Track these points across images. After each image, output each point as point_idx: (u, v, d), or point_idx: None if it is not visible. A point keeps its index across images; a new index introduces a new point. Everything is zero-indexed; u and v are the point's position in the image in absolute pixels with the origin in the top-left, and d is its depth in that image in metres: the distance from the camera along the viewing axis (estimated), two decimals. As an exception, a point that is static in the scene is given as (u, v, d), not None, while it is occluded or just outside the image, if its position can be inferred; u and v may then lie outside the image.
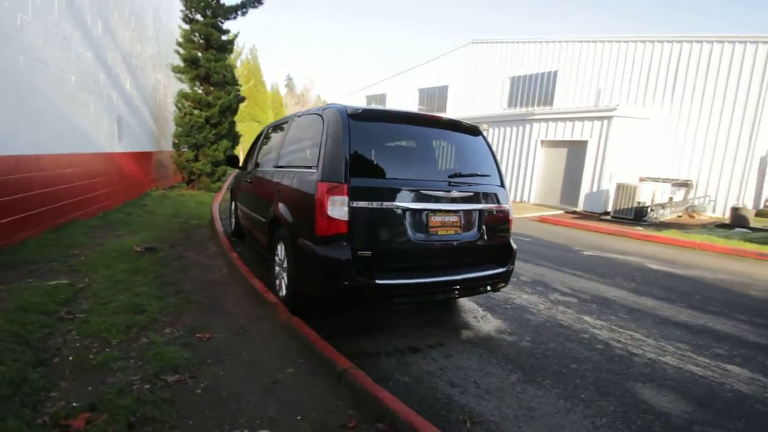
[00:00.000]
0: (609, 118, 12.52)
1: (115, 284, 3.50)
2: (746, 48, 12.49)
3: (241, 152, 21.16)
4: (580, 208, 12.99)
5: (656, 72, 14.36)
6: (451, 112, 20.13)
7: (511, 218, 3.34)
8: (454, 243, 2.94)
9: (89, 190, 5.72)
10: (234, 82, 10.46)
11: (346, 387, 2.20)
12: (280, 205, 3.32)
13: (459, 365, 2.70)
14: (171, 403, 1.97)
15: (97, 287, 3.39)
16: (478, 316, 3.63)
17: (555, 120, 13.82)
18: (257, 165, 4.65)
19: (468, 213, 3.02)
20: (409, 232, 2.76)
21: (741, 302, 4.52)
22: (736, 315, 4.08)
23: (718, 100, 13.07)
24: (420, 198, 2.80)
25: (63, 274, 3.62)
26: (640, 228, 9.62)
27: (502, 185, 3.33)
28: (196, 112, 8.99)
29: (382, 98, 23.55)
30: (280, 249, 3.39)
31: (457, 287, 2.93)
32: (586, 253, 6.87)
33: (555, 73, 16.83)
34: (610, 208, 12.11)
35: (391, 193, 2.72)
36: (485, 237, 3.11)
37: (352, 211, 2.60)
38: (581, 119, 13.17)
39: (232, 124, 10.65)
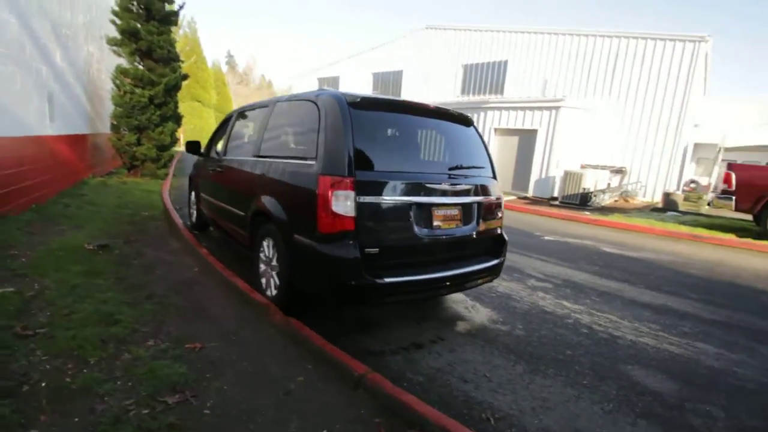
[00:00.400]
0: (557, 108, 13.17)
1: (72, 290, 3.07)
2: (675, 46, 13.67)
3: (181, 135, 19.62)
4: (530, 193, 13.67)
5: (597, 65, 15.30)
6: (405, 97, 20.08)
7: (503, 210, 3.37)
8: (455, 237, 2.91)
9: (19, 179, 4.95)
10: (177, 57, 9.53)
11: (366, 393, 2.11)
12: (267, 199, 3.07)
13: (465, 359, 2.71)
14: (180, 429, 1.75)
15: (51, 294, 2.95)
16: (468, 306, 3.67)
17: (508, 109, 14.29)
18: (226, 152, 4.29)
19: (468, 206, 3.00)
20: (415, 227, 2.68)
21: (688, 281, 5.01)
22: (687, 294, 4.50)
23: (650, 93, 14.25)
24: (424, 191, 2.72)
25: (5, 281, 3.10)
26: (588, 212, 10.34)
27: (494, 177, 3.34)
28: (138, 90, 8.08)
29: (335, 81, 22.90)
30: (267, 245, 3.16)
31: (459, 281, 2.91)
32: (546, 238, 7.24)
33: (505, 62, 17.34)
34: (556, 194, 12.89)
35: (396, 187, 2.61)
36: (482, 229, 3.11)
37: (359, 206, 2.46)
38: (532, 109, 13.74)
39: (176, 104, 9.77)
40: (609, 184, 13.60)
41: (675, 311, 3.93)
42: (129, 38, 8.12)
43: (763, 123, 13.82)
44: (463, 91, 18.52)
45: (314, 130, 2.73)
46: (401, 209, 2.62)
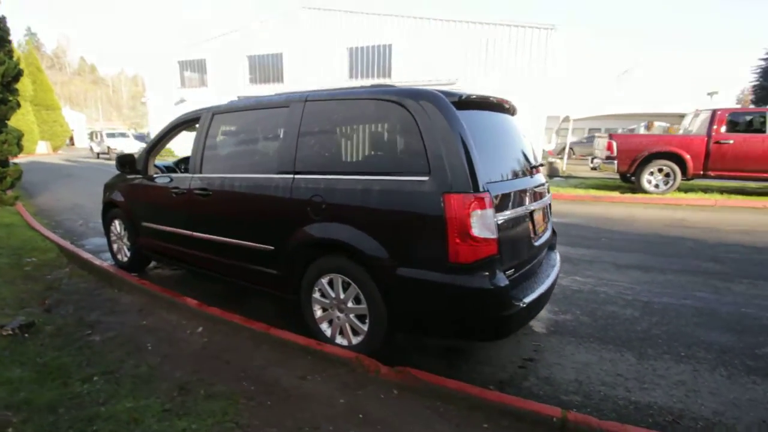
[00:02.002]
0: (450, 89, 13.96)
1: (54, 414, 1.96)
2: (533, 32, 15.76)
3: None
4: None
5: (473, 49, 16.71)
6: (289, 83, 18.79)
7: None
8: (546, 240, 2.77)
9: None
10: (8, 36, 6.91)
11: (577, 437, 1.85)
12: (334, 227, 2.42)
13: (582, 361, 2.64)
14: None
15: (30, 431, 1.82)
16: (517, 301, 3.62)
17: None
18: (201, 169, 3.27)
19: (546, 206, 2.88)
20: (531, 236, 2.45)
21: (630, 238, 5.90)
22: (642, 250, 5.29)
23: (517, 73, 16.24)
24: (530, 197, 2.50)
25: None
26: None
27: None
28: (-39, 85, 5.60)
29: (200, 65, 20.02)
30: (331, 284, 2.54)
31: (554, 285, 2.80)
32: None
33: (390, 46, 17.59)
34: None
35: (515, 196, 2.34)
36: (553, 227, 3.05)
37: (497, 225, 2.11)
38: (427, 91, 14.29)
39: (18, 102, 7.22)
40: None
41: (653, 268, 4.57)
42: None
43: (597, 99, 17.12)
44: (351, 75, 18.21)
45: (410, 138, 2.22)
46: (522, 220, 2.36)
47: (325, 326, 2.67)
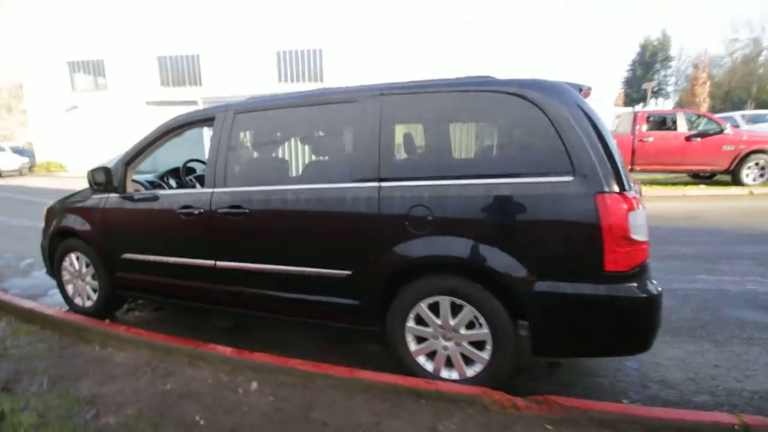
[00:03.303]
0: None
1: None
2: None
3: None
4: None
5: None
6: (209, 88, 17.10)
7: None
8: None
9: None
10: None
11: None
12: (450, 242, 2.06)
13: (676, 357, 2.62)
14: None
15: None
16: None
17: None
18: (225, 182, 2.61)
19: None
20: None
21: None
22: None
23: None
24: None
25: None
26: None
27: None
28: None
29: (97, 66, 17.26)
30: (432, 308, 2.16)
31: None
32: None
33: (321, 51, 17.03)
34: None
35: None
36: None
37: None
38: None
39: None
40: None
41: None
42: None
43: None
44: (280, 80, 17.23)
45: (540, 133, 1.97)
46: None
47: (422, 359, 2.27)
